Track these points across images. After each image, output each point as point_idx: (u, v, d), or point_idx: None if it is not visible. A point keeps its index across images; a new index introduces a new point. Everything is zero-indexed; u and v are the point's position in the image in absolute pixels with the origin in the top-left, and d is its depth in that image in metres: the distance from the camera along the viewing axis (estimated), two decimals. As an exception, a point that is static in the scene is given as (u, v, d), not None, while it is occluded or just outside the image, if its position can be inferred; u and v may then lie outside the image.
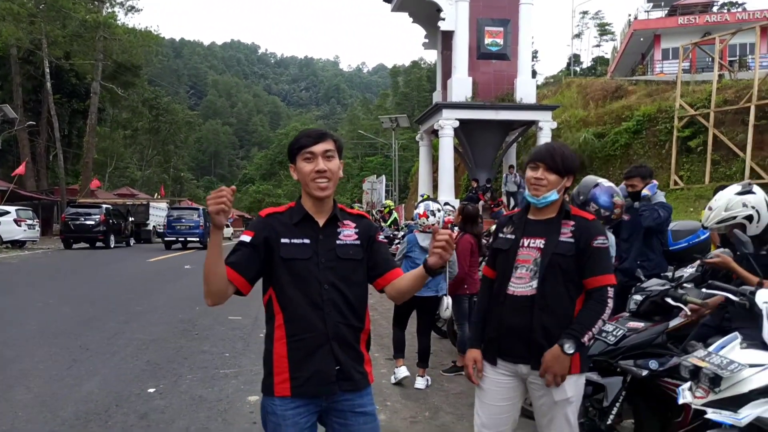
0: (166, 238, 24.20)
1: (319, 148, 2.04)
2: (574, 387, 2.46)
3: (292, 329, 2.02)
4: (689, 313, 3.33)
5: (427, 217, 5.28)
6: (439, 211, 5.40)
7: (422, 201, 5.83)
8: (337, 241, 2.09)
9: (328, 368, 2.02)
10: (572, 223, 2.47)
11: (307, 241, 2.06)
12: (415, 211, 5.44)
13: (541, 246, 2.45)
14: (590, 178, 3.96)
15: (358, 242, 2.13)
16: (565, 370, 2.37)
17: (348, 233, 2.12)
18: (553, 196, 2.46)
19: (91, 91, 35.22)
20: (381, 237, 2.25)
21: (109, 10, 36.87)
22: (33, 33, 30.97)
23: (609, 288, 2.42)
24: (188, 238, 24.20)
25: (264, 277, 2.09)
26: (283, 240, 2.05)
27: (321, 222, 2.10)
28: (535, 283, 2.43)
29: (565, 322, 2.42)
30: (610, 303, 2.41)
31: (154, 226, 30.84)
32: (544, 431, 2.53)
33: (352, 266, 2.10)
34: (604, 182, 3.85)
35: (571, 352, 2.34)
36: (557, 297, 2.43)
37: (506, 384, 2.52)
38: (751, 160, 16.64)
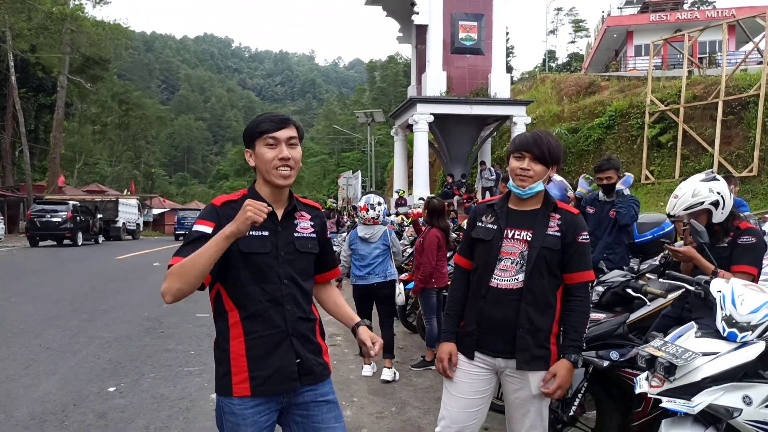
0: (176, 232, 32.60)
1: (282, 134, 1.96)
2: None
3: (250, 327, 1.94)
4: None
5: (367, 211, 5.46)
6: (379, 204, 5.54)
7: (365, 195, 6.07)
8: (295, 234, 2.04)
9: (289, 364, 1.97)
10: (558, 216, 2.41)
11: (266, 233, 1.97)
12: (357, 204, 5.60)
13: (528, 239, 2.37)
14: None
15: (314, 235, 2.09)
16: (570, 381, 2.40)
17: (305, 225, 2.08)
18: (539, 186, 2.39)
19: (58, 85, 34.38)
20: (329, 234, 2.25)
21: (77, 2, 36.02)
22: (-4, 25, 30.09)
23: (590, 284, 2.45)
24: None
25: (216, 271, 1.92)
26: None
27: (279, 212, 2.03)
28: (521, 277, 2.36)
29: (547, 316, 2.39)
30: (590, 298, 2.46)
31: (123, 223, 30.29)
32: (517, 424, 2.48)
33: (309, 260, 2.08)
34: (556, 177, 3.85)
35: (580, 363, 2.40)
36: (542, 290, 2.38)
37: (481, 377, 2.46)
38: (719, 154, 16.96)
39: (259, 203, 1.80)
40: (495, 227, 2.44)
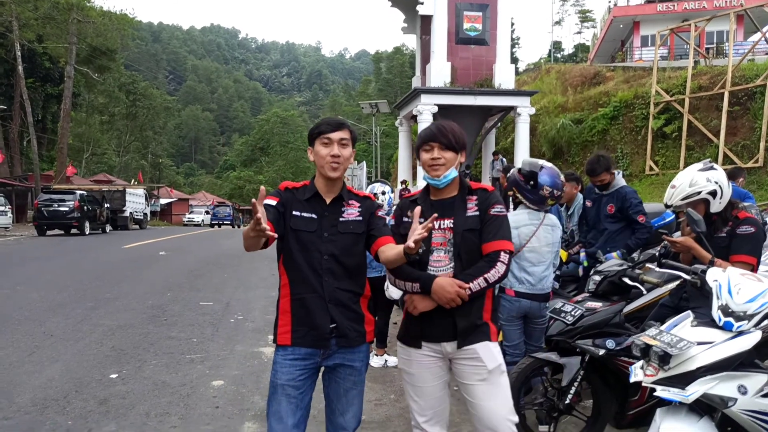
0: (212, 222, 42.80)
1: (336, 135, 2.35)
2: (499, 354, 2.44)
3: (295, 289, 2.36)
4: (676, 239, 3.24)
5: None
6: (383, 194, 5.57)
7: (370, 184, 6.07)
8: (340, 218, 2.39)
9: (324, 325, 2.32)
10: (475, 197, 2.45)
11: (314, 216, 2.37)
12: None
13: (452, 225, 2.42)
14: (533, 162, 3.91)
15: (360, 218, 2.42)
16: (444, 295, 2.30)
17: (351, 212, 2.42)
18: (453, 173, 2.44)
19: (65, 75, 34.47)
20: (380, 213, 2.50)
21: (83, -9, 35.98)
22: (3, 15, 30.14)
23: (503, 252, 2.35)
24: (224, 222, 43.71)
25: (278, 240, 2.39)
26: (294, 212, 2.37)
27: (328, 200, 2.40)
28: (454, 264, 2.40)
29: (482, 296, 2.41)
30: (500, 267, 2.32)
31: (131, 213, 30.40)
32: (483, 411, 2.40)
33: (352, 239, 2.39)
34: (546, 164, 3.84)
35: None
36: None
37: (433, 364, 2.47)
38: (724, 145, 16.84)
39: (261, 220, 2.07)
40: (422, 220, 2.43)
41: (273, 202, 2.39)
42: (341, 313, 2.34)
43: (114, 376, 4.85)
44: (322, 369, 2.42)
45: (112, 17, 36.02)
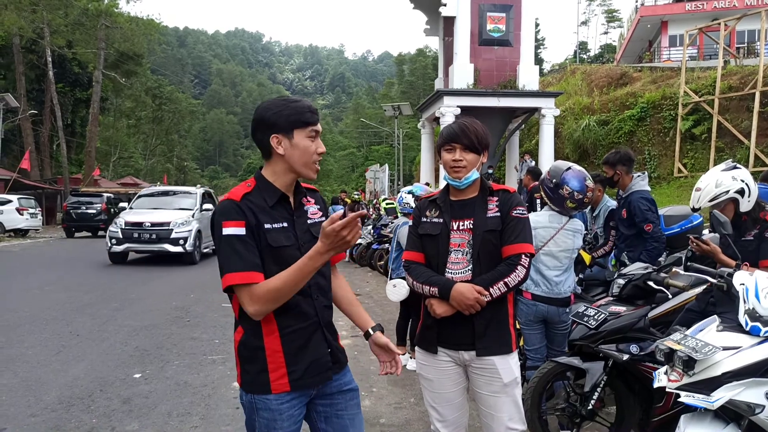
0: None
1: (320, 127, 1.94)
2: (516, 366, 2.40)
3: (284, 321, 1.88)
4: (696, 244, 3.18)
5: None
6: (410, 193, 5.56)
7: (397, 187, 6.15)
8: (308, 221, 1.98)
9: (323, 355, 1.96)
10: (496, 198, 2.40)
11: (285, 224, 1.90)
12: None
13: (471, 226, 2.37)
14: (561, 163, 3.87)
15: (323, 219, 2.02)
16: (464, 301, 2.28)
17: (314, 210, 2.03)
18: (474, 175, 2.38)
19: (94, 80, 35.25)
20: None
21: (111, -2, 36.77)
22: (35, 22, 30.90)
23: (523, 255, 2.31)
24: None
25: None
26: (266, 226, 1.86)
27: (293, 202, 1.97)
28: (472, 266, 2.35)
29: (502, 301, 2.35)
30: (520, 270, 2.29)
31: (156, 215, 30.83)
32: (494, 421, 2.38)
33: None
34: (575, 166, 3.78)
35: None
36: None
37: (451, 370, 2.43)
38: (755, 147, 16.45)
39: (353, 222, 1.67)
40: (441, 221, 2.43)
41: (242, 230, 1.82)
42: (332, 335, 2.01)
43: (137, 375, 4.92)
44: (316, 397, 2.03)
45: (139, 23, 36.73)
